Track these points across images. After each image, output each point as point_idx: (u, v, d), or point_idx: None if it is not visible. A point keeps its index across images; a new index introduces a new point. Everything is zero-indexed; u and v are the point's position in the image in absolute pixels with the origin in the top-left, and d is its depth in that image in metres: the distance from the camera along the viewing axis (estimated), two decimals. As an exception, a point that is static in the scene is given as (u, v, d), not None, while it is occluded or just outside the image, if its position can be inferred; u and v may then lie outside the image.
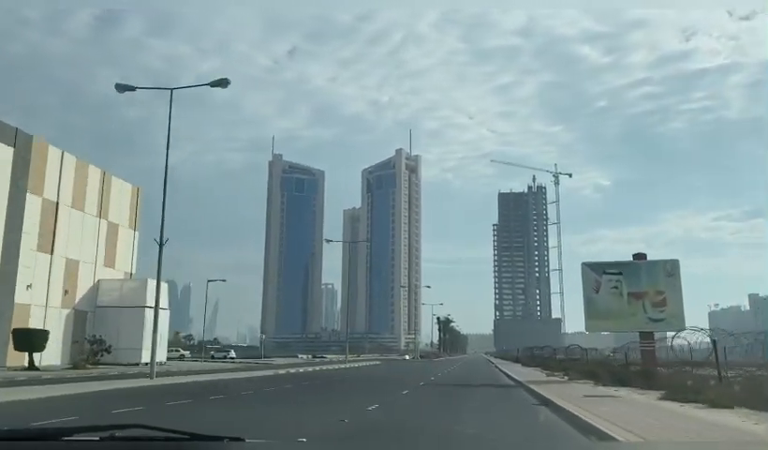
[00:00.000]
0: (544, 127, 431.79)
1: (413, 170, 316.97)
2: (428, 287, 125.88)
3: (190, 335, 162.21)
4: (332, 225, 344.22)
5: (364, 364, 68.44)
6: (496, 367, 56.44)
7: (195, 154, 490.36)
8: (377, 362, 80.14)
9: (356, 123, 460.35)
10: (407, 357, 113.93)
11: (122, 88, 29.88)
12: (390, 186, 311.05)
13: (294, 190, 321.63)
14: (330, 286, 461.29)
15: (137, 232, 57.69)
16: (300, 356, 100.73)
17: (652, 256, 29.42)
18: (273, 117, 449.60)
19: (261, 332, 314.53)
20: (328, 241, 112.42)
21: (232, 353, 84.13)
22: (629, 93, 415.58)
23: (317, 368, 47.37)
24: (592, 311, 28.19)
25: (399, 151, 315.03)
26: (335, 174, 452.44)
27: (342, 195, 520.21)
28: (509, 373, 37.87)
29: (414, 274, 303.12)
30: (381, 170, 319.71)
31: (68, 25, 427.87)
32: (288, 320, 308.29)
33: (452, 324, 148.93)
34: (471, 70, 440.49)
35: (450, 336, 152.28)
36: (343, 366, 56.89)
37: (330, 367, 52.61)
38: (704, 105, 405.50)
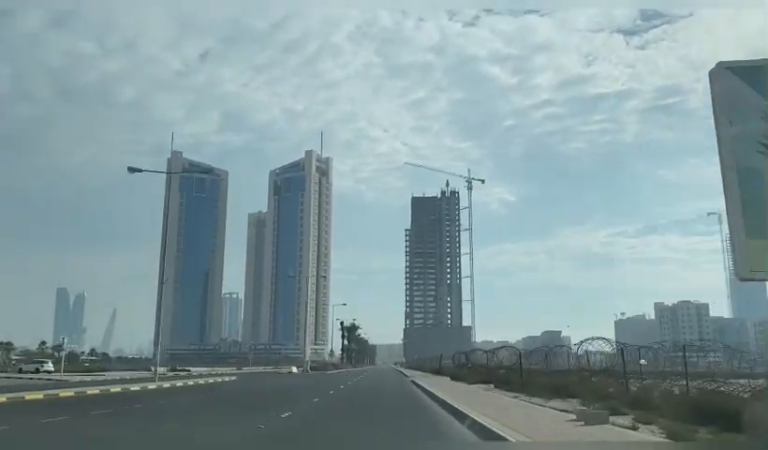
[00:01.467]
0: (455, 142, 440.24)
1: (324, 173, 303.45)
2: (345, 304, 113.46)
3: (59, 345, 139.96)
4: (236, 230, 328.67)
5: (196, 382, 45.82)
6: (414, 382, 43.08)
7: (98, 155, 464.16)
8: (232, 377, 60.16)
9: (268, 130, 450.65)
10: (294, 370, 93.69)
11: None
12: (299, 189, 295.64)
13: (194, 191, 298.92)
14: (234, 295, 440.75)
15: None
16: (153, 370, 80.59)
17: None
18: (182, 121, 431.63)
19: (156, 343, 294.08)
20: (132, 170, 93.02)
21: (49, 366, 66.50)
22: (535, 113, 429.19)
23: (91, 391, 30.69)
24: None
25: (309, 153, 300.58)
26: (241, 177, 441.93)
27: (248, 198, 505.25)
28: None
29: (321, 281, 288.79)
30: (290, 172, 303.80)
31: None
32: (185, 330, 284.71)
33: (360, 333, 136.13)
34: (386, 84, 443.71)
35: (356, 345, 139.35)
36: (135, 388, 34.40)
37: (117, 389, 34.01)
38: (603, 127, 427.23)
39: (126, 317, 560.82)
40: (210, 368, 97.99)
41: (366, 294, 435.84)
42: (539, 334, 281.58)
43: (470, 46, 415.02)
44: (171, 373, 70.73)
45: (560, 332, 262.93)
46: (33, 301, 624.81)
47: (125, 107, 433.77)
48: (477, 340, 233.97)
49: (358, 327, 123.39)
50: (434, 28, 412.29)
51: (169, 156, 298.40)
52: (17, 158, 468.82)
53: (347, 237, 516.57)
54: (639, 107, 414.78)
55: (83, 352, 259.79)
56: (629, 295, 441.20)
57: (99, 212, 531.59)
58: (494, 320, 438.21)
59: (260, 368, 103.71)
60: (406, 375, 66.17)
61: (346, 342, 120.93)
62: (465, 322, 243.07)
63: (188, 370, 77.72)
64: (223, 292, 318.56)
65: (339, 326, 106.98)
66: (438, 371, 62.51)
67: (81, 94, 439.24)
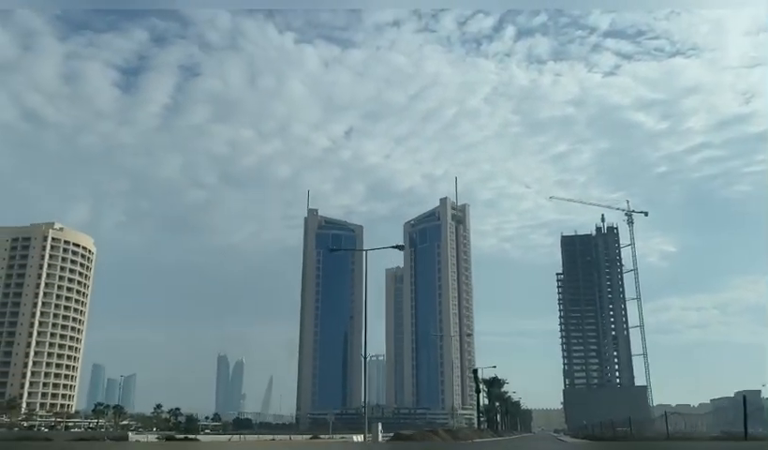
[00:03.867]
0: (604, 193, 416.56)
1: (460, 221, 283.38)
2: (494, 366, 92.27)
3: (177, 408, 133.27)
4: (374, 287, 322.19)
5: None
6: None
7: (257, 232, 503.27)
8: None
9: (409, 195, 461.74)
10: (357, 438, 58.87)
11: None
12: (434, 239, 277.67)
13: (331, 247, 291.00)
14: (380, 357, 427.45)
15: None
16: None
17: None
18: (331, 194, 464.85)
19: (297, 408, 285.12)
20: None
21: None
22: (690, 157, 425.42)
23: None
24: None
25: (444, 200, 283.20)
26: (381, 236, 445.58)
27: (388, 256, 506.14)
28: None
29: (465, 340, 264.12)
30: (425, 222, 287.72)
31: (138, 115, 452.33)
32: (326, 394, 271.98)
33: (508, 393, 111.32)
34: (525, 140, 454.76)
35: (504, 406, 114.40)
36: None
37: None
38: None
39: (282, 383, 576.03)
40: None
41: (517, 357, 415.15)
42: (731, 394, 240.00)
43: (612, 95, 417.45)
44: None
45: (759, 392, 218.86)
46: (196, 368, 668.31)
47: (279, 185, 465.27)
48: (656, 403, 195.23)
49: (503, 382, 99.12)
50: (572, 81, 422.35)
51: (306, 215, 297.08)
52: (187, 238, 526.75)
53: (494, 298, 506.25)
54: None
55: (237, 417, 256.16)
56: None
57: (258, 284, 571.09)
58: (666, 380, 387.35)
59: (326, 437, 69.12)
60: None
61: (485, 400, 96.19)
62: (638, 380, 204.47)
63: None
64: (363, 352, 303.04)
65: (479, 381, 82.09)
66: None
67: (242, 177, 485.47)
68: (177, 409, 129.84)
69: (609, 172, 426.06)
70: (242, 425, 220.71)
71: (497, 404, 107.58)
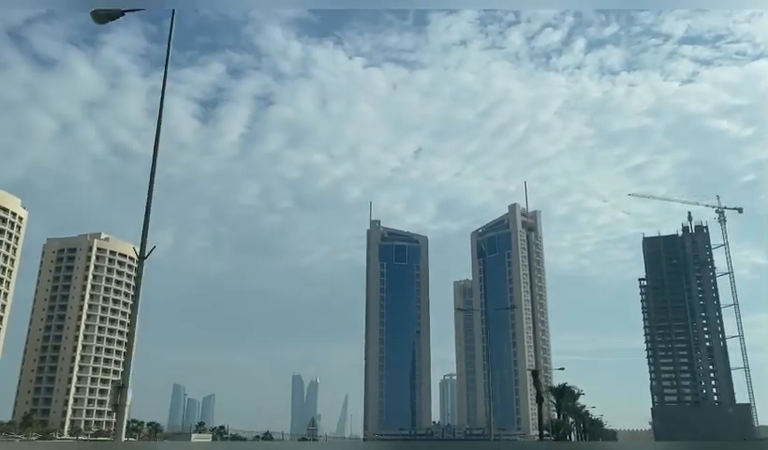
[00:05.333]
0: (685, 206, 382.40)
1: (531, 228, 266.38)
2: (561, 368, 78.98)
3: (222, 427, 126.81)
4: (441, 300, 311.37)
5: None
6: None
7: (327, 255, 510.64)
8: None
9: (482, 213, 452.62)
10: None
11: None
12: (504, 248, 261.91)
13: (394, 260, 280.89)
14: (451, 377, 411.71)
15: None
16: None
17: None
18: (402, 214, 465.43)
19: (365, 427, 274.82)
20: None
21: None
22: None
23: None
24: None
25: (513, 206, 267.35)
26: (445, 244, 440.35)
27: (453, 267, 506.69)
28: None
29: (542, 356, 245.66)
30: (493, 230, 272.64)
31: (217, 145, 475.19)
32: (394, 413, 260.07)
33: (583, 404, 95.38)
34: (600, 153, 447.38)
35: (580, 422, 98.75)
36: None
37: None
38: None
39: (357, 402, 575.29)
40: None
41: (600, 377, 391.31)
42: None
43: (691, 103, 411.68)
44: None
45: None
46: (273, 389, 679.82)
47: (351, 207, 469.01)
48: (760, 423, 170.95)
49: (578, 393, 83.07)
50: (647, 91, 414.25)
51: (368, 227, 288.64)
52: (265, 262, 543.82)
53: (573, 317, 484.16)
54: None
55: (303, 437, 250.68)
56: None
57: (332, 303, 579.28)
58: (764, 401, 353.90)
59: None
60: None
61: (554, 413, 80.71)
62: (739, 398, 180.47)
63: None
64: (433, 370, 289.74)
65: (532, 381, 67.29)
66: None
67: (315, 200, 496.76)
68: (221, 427, 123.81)
69: (691, 182, 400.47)
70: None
71: (571, 421, 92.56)
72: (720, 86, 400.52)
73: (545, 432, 71.53)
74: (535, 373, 67.62)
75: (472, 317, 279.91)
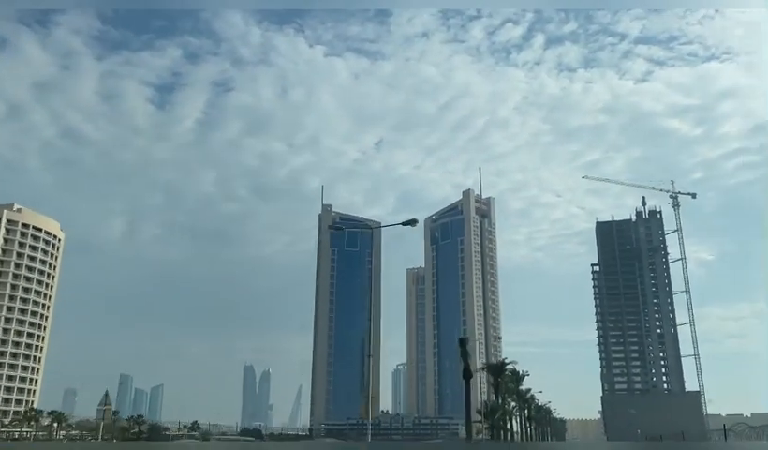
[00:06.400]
0: (638, 201, 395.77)
1: (485, 214, 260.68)
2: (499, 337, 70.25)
3: (140, 415, 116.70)
4: (394, 289, 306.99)
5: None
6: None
7: (286, 245, 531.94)
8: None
9: (441, 205, 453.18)
10: None
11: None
12: (457, 234, 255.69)
13: (346, 246, 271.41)
14: (403, 366, 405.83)
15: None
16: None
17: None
18: (362, 205, 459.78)
19: (311, 417, 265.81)
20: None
21: None
22: (726, 163, 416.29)
23: None
24: None
25: (467, 192, 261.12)
26: (402, 235, 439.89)
27: (406, 253, 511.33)
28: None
29: (492, 344, 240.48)
30: (447, 217, 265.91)
31: (173, 130, 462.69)
32: (342, 402, 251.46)
33: (529, 388, 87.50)
34: (557, 149, 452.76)
35: (526, 408, 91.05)
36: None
37: None
38: None
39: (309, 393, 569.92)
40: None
41: (553, 368, 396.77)
42: None
43: (645, 102, 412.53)
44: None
45: None
46: (225, 380, 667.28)
47: (310, 197, 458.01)
48: (711, 412, 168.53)
49: (521, 373, 74.39)
50: (603, 89, 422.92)
51: (320, 211, 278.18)
52: (221, 251, 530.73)
53: (527, 309, 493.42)
54: None
55: (245, 427, 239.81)
56: None
57: (289, 294, 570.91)
58: (709, 391, 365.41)
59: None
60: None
61: (490, 394, 70.87)
62: (689, 386, 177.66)
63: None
64: (388, 359, 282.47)
65: (460, 353, 57.83)
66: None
67: (274, 189, 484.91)
68: (140, 415, 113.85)
69: (643, 180, 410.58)
70: (249, 435, 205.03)
71: (513, 405, 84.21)
72: (673, 86, 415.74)
73: (478, 418, 62.96)
74: (462, 341, 58.73)
75: (424, 305, 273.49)
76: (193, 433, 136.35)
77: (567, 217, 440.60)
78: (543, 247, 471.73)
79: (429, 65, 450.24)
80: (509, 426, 79.91)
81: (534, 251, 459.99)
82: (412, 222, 24.99)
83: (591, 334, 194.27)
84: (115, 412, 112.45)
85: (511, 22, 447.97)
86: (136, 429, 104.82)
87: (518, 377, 77.91)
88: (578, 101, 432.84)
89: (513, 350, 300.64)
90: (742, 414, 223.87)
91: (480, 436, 63.23)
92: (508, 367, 74.06)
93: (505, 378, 72.30)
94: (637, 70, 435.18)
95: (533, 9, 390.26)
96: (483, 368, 73.46)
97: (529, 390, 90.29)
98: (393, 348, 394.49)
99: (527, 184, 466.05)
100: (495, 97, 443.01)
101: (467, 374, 50.86)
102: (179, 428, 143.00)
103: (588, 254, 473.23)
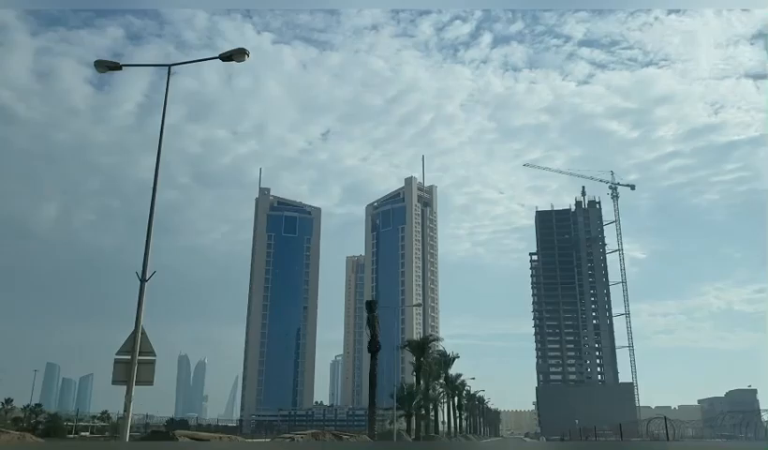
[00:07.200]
0: (577, 199, 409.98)
1: (427, 203, 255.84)
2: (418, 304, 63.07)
3: (39, 405, 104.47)
4: (334, 276, 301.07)
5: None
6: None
7: (226, 234, 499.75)
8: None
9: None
10: None
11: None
12: (399, 221, 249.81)
13: (283, 231, 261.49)
14: (339, 358, 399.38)
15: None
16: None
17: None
18: (306, 196, 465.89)
19: (242, 408, 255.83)
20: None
21: None
22: (660, 166, 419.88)
23: None
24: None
25: (410, 179, 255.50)
26: (341, 218, 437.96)
27: (347, 241, 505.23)
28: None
29: (430, 330, 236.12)
30: (389, 204, 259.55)
31: (112, 113, 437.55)
32: (275, 392, 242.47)
33: (458, 374, 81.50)
34: (500, 147, 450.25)
35: (455, 394, 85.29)
36: None
37: None
38: (738, 176, 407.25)
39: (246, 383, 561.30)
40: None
41: (491, 360, 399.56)
42: (721, 395, 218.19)
43: (586, 103, 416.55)
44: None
45: (755, 391, 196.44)
46: (158, 369, 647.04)
47: (253, 186, 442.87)
48: (643, 405, 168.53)
49: (451, 355, 67.62)
50: (546, 90, 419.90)
51: (257, 195, 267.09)
52: (159, 239, 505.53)
53: (468, 302, 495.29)
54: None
55: (171, 418, 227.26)
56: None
57: (228, 284, 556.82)
58: (648, 381, 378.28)
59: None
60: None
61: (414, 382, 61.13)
62: (623, 377, 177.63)
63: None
64: (326, 350, 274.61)
65: (367, 319, 49.22)
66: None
67: (216, 177, 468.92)
68: (38, 405, 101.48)
69: (581, 179, 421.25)
70: (176, 426, 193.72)
71: (440, 391, 77.23)
72: (612, 89, 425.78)
73: (395, 404, 53.79)
74: (370, 305, 50.16)
75: (363, 295, 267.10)
76: (104, 424, 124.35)
77: (508, 213, 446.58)
78: (484, 242, 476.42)
79: (378, 58, 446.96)
80: (433, 414, 72.77)
81: (475, 246, 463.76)
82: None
83: (530, 327, 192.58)
84: (38, 405, 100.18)
85: (460, 19, 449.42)
86: (34, 420, 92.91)
87: (447, 359, 71.84)
88: (522, 101, 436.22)
89: (454, 342, 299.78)
90: (670, 406, 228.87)
91: (393, 426, 54.81)
92: (433, 345, 67.35)
93: (429, 358, 65.82)
94: (579, 72, 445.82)
95: (481, 8, 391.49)
96: (404, 347, 66.63)
97: (460, 375, 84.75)
98: (334, 339, 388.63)
99: (471, 180, 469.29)
100: (442, 94, 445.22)
101: (373, 345, 43.46)
102: (89, 419, 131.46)
103: (528, 250, 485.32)
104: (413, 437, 57.76)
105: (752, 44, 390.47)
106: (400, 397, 57.67)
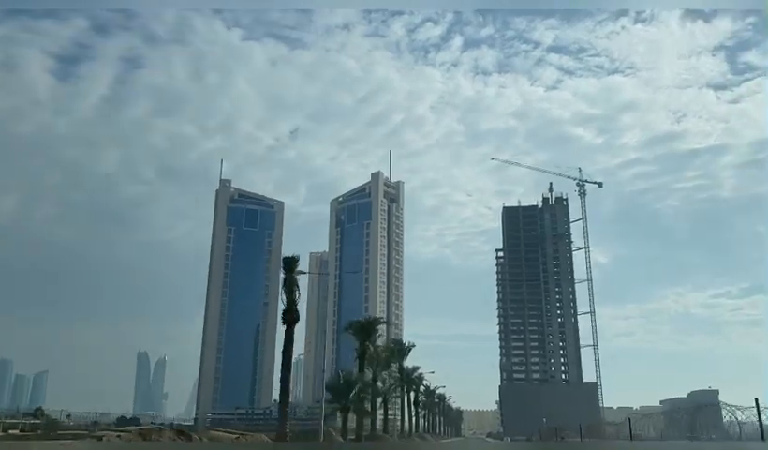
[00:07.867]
0: (542, 197, 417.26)
1: (394, 199, 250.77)
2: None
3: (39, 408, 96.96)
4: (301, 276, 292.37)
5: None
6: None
7: (190, 231, 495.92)
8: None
9: None
10: None
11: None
12: (364, 217, 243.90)
13: (244, 225, 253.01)
14: (302, 356, 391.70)
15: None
16: None
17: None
18: (272, 194, 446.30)
19: (197, 407, 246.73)
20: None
21: None
22: (623, 172, 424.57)
23: None
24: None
25: (376, 174, 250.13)
26: (305, 213, 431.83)
27: (311, 237, 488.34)
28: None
29: (394, 331, 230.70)
30: (354, 199, 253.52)
31: (76, 105, 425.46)
32: (232, 391, 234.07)
33: (416, 367, 75.86)
34: (468, 150, 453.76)
35: (411, 389, 79.65)
36: None
37: None
38: (698, 184, 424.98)
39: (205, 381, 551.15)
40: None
41: (455, 360, 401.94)
42: (683, 395, 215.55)
43: (553, 109, 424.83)
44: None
45: (717, 392, 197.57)
46: (117, 367, 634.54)
47: (217, 181, 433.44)
48: (606, 405, 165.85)
49: (407, 345, 61.44)
50: (515, 94, 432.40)
51: (218, 187, 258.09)
52: (122, 234, 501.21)
53: (434, 303, 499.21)
54: (735, 162, 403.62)
55: (122, 416, 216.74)
56: (735, 361, 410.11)
57: (191, 281, 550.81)
58: (609, 382, 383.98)
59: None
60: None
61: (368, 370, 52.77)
62: (586, 376, 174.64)
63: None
64: (278, 345, 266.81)
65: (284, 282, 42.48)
66: None
67: (182, 173, 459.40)
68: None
69: (548, 182, 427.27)
70: (126, 424, 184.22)
71: (392, 385, 70.44)
72: (579, 96, 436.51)
73: (323, 396, 46.28)
74: (288, 261, 40.56)
75: (327, 291, 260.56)
76: (36, 421, 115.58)
77: (475, 215, 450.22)
78: (452, 243, 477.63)
79: (349, 57, 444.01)
80: (378, 413, 64.25)
81: (443, 248, 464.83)
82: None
83: (495, 328, 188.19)
84: None
85: (431, 21, 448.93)
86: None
87: (402, 347, 65.68)
88: (491, 105, 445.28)
89: (418, 342, 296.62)
90: (632, 407, 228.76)
91: (320, 424, 47.35)
92: (381, 328, 60.78)
93: (376, 344, 58.99)
94: (548, 78, 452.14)
95: (453, 10, 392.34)
96: (347, 329, 59.78)
97: (417, 368, 78.81)
98: (296, 337, 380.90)
99: (439, 182, 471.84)
100: (412, 95, 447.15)
101: (289, 315, 35.57)
102: (21, 416, 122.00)
103: (494, 252, 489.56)
104: (353, 436, 50.37)
105: (713, 56, 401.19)
106: (334, 388, 49.90)
